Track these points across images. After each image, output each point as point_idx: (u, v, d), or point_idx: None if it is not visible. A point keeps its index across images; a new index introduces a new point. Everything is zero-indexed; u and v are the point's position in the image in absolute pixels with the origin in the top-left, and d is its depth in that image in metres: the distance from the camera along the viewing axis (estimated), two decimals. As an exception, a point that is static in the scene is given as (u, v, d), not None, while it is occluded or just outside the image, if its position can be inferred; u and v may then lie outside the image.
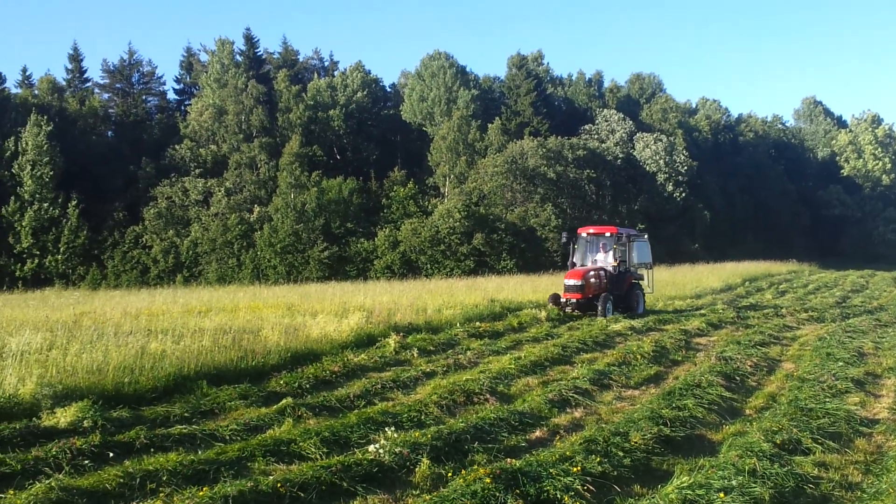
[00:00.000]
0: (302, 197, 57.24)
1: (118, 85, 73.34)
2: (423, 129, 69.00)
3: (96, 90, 73.20)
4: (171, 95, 77.21)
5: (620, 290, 24.15)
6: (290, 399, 11.57)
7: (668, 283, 34.69)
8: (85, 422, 9.84)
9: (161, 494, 7.62)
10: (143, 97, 73.39)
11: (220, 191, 60.88)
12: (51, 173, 58.82)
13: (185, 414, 10.87)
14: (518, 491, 7.65)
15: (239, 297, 30.51)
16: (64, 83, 71.38)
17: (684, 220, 66.98)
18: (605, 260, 24.69)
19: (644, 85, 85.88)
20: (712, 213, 68.90)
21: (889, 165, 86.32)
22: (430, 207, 59.15)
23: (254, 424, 10.35)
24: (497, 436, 10.04)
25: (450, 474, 8.41)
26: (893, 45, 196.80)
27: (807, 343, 18.57)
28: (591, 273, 23.58)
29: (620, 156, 65.08)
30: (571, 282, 23.25)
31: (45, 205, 58.60)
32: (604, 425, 10.47)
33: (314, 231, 56.34)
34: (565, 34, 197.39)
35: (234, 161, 62.86)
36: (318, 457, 8.98)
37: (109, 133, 69.45)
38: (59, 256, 58.20)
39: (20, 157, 58.95)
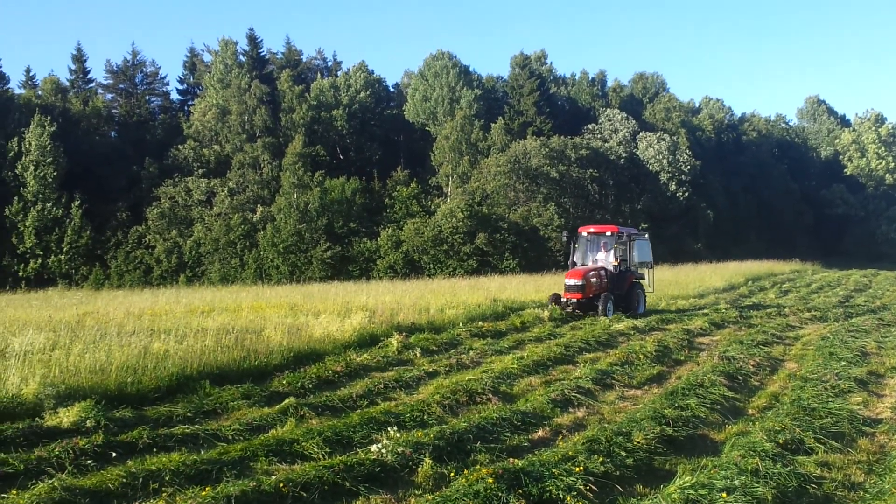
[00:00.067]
0: (305, 197, 57.26)
1: (121, 85, 73.41)
2: (426, 128, 69.01)
3: (100, 90, 73.36)
4: (175, 96, 77.52)
5: (621, 290, 24.05)
6: (292, 399, 11.58)
7: (670, 283, 34.68)
8: (88, 422, 9.86)
9: (164, 494, 7.63)
10: (147, 97, 73.44)
11: (223, 191, 60.92)
12: (54, 173, 58.86)
13: (188, 414, 10.88)
14: (521, 491, 7.65)
15: (242, 296, 30.53)
16: (67, 84, 71.48)
17: (687, 220, 66.96)
18: (606, 259, 24.56)
19: (647, 84, 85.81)
20: (715, 213, 68.85)
21: (892, 164, 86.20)
22: (432, 207, 59.15)
23: (256, 424, 10.36)
24: (499, 436, 10.04)
25: (452, 474, 8.41)
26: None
27: (810, 342, 18.55)
28: (592, 273, 23.48)
29: (623, 155, 65.05)
30: (572, 281, 23.15)
31: (49, 205, 58.66)
32: (606, 425, 10.46)
33: (317, 231, 56.35)
34: (568, 34, 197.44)
35: (237, 161, 62.92)
36: (321, 457, 8.98)
37: (113, 133, 69.50)
38: (63, 256, 58.26)
39: (24, 158, 58.98)
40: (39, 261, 58.32)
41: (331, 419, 10.78)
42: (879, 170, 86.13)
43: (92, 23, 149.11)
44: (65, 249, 58.30)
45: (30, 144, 58.83)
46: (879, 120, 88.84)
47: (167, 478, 7.97)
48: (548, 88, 74.23)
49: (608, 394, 12.92)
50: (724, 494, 7.51)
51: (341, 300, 25.65)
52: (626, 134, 67.17)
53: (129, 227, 59.96)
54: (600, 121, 69.61)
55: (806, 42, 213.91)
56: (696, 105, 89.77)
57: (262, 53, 73.52)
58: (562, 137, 61.78)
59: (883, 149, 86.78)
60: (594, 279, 23.41)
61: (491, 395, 12.22)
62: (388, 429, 9.71)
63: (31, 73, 72.30)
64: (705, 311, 25.18)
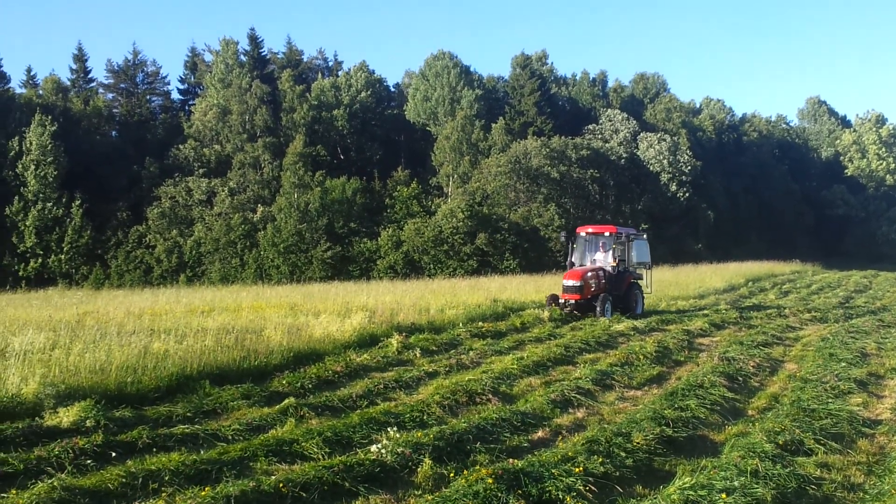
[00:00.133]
0: (305, 197, 57.26)
1: (122, 85, 73.45)
2: (427, 128, 68.99)
3: (100, 90, 73.36)
4: (175, 95, 77.52)
5: (619, 291, 23.91)
6: (292, 399, 11.59)
7: (671, 283, 34.68)
8: (87, 421, 9.86)
9: (163, 494, 7.64)
10: (148, 97, 73.45)
11: (223, 190, 60.93)
12: (55, 173, 58.88)
13: (188, 414, 10.89)
14: (520, 491, 7.65)
15: (242, 296, 30.53)
16: (68, 83, 71.47)
17: (688, 220, 66.94)
18: (605, 260, 24.45)
19: (648, 85, 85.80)
20: (716, 213, 68.83)
21: (893, 165, 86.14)
22: (433, 207, 59.14)
23: (256, 424, 10.36)
24: (499, 436, 10.04)
25: (452, 474, 8.42)
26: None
27: (810, 344, 18.55)
28: (590, 273, 23.36)
29: (624, 156, 65.04)
30: (570, 283, 23.02)
31: (49, 204, 58.67)
32: (606, 426, 10.47)
33: (317, 231, 56.36)
34: (569, 34, 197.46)
35: (237, 161, 62.93)
36: (321, 457, 8.99)
37: (113, 133, 69.54)
38: (63, 256, 58.28)
39: (24, 157, 58.99)
40: (40, 260, 58.35)
41: (330, 419, 10.78)
42: (880, 170, 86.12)
43: (93, 22, 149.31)
44: (65, 249, 58.32)
45: (30, 144, 58.84)
46: (880, 121, 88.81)
47: (167, 478, 7.98)
48: (548, 89, 74.23)
49: (608, 394, 12.92)
50: (723, 495, 7.51)
51: (341, 300, 25.65)
52: (627, 134, 67.16)
53: (130, 227, 59.97)
54: (601, 121, 69.60)
55: (806, 43, 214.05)
56: (697, 105, 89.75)
57: (263, 53, 73.56)
58: (562, 138, 61.75)
59: (884, 149, 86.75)
60: (592, 280, 23.30)
61: (491, 396, 12.22)
62: (388, 429, 9.71)
63: (31, 73, 72.27)
64: (705, 311, 25.17)
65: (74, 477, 7.98)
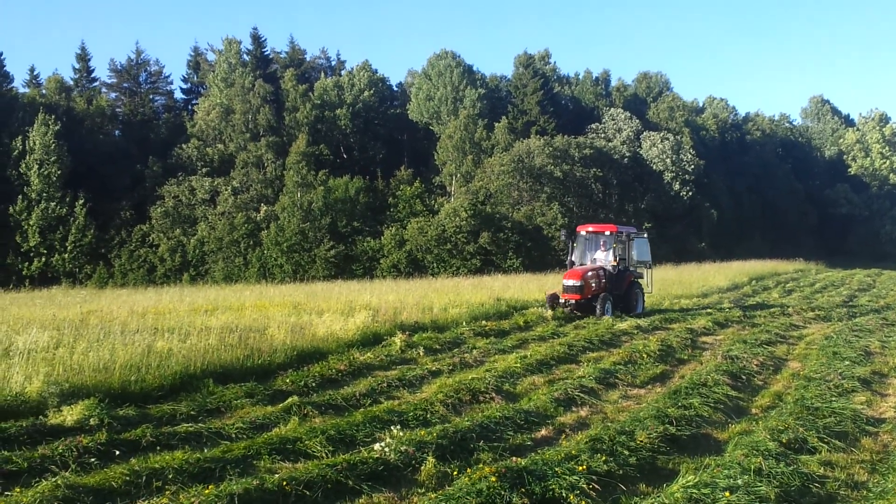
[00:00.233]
0: (308, 196, 57.31)
1: (125, 84, 73.44)
2: (430, 128, 69.00)
3: (104, 89, 73.34)
4: (179, 95, 77.59)
5: (620, 290, 23.72)
6: (295, 397, 11.59)
7: (674, 282, 34.64)
8: (91, 420, 9.88)
9: (167, 492, 7.63)
10: (151, 96, 73.51)
11: (226, 190, 60.99)
12: (58, 172, 58.94)
13: (192, 412, 10.90)
14: (523, 490, 7.65)
15: (245, 295, 30.53)
16: (71, 83, 71.51)
17: (691, 219, 66.88)
18: (605, 259, 24.24)
19: (651, 84, 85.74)
20: (719, 212, 68.77)
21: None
22: (436, 206, 59.16)
23: (260, 423, 10.37)
24: (503, 434, 10.04)
25: (455, 473, 8.41)
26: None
27: (813, 342, 18.51)
28: (591, 273, 23.15)
29: (627, 155, 65.02)
30: (570, 282, 22.83)
31: (53, 204, 58.76)
32: (609, 424, 10.46)
33: (320, 230, 56.40)
34: (572, 33, 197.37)
35: (240, 160, 62.97)
36: (324, 455, 8.98)
37: (117, 132, 69.61)
38: (66, 255, 58.37)
39: (28, 157, 59.07)
40: (43, 259, 58.46)
41: (334, 418, 10.79)
42: (883, 169, 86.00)
43: (96, 22, 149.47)
44: (68, 248, 58.40)
45: (34, 143, 58.90)
46: (883, 119, 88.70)
47: (170, 476, 7.98)
48: (551, 88, 74.18)
49: (611, 393, 12.91)
50: (727, 493, 7.50)
51: (345, 299, 25.63)
52: (630, 133, 67.12)
53: (133, 226, 60.06)
54: (604, 120, 69.58)
55: (809, 41, 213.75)
56: (700, 104, 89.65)
57: (266, 52, 73.61)
58: (565, 137, 61.73)
59: (887, 148, 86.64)
60: (593, 280, 23.10)
61: (494, 394, 12.21)
62: (392, 427, 9.72)
63: (35, 72, 72.27)
64: (709, 310, 25.14)
65: (78, 475, 7.99)
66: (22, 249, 58.84)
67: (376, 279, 45.50)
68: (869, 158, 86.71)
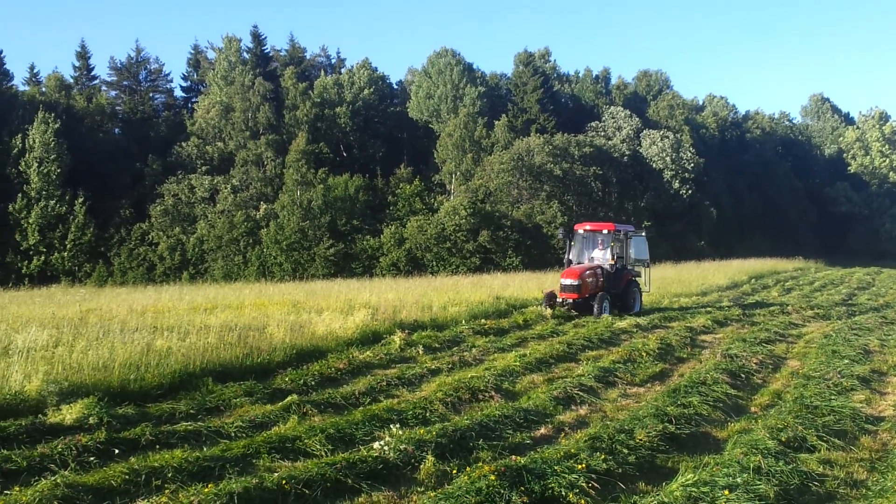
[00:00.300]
0: (308, 194, 57.30)
1: (125, 82, 73.38)
2: (430, 126, 68.95)
3: (103, 87, 73.26)
4: (178, 93, 77.51)
5: (617, 289, 23.58)
6: (295, 396, 11.59)
7: (673, 281, 34.62)
8: (90, 419, 9.87)
9: (166, 491, 7.63)
10: (151, 94, 73.44)
11: (226, 188, 61.00)
12: (58, 170, 58.93)
13: (191, 411, 10.90)
14: (523, 488, 7.64)
15: (245, 294, 30.52)
16: (71, 81, 71.45)
17: (691, 218, 66.88)
18: (603, 257, 24.14)
19: (651, 82, 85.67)
20: (719, 211, 68.77)
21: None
22: (436, 205, 59.15)
23: (259, 421, 10.36)
24: (502, 433, 10.04)
25: (454, 471, 8.42)
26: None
27: (812, 340, 18.51)
28: (588, 272, 23.03)
29: (627, 153, 65.00)
30: (568, 281, 22.71)
31: (52, 202, 58.73)
32: (609, 423, 10.46)
33: (320, 228, 56.40)
34: (572, 31, 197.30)
35: (240, 158, 62.97)
36: (323, 454, 8.98)
37: (116, 130, 69.61)
38: (66, 253, 58.36)
39: (27, 155, 59.04)
40: (43, 258, 58.44)
41: (333, 416, 10.79)
42: (883, 168, 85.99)
43: (96, 20, 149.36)
44: (68, 246, 58.39)
45: (33, 141, 58.89)
46: (883, 118, 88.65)
47: (170, 474, 7.98)
48: (551, 86, 74.13)
49: (611, 391, 12.91)
50: (726, 492, 7.50)
51: (344, 297, 25.62)
52: (630, 131, 67.10)
53: (133, 224, 60.05)
54: (604, 118, 69.57)
55: (809, 39, 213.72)
56: (700, 102, 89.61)
57: (266, 51, 73.59)
58: (565, 135, 61.71)
59: (887, 147, 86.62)
60: (590, 279, 22.99)
61: (493, 393, 12.22)
62: (391, 426, 9.72)
63: (34, 70, 72.19)
64: (708, 308, 25.15)
65: (77, 474, 7.99)
66: (21, 248, 58.83)
67: (376, 277, 45.52)
68: (869, 157, 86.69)
